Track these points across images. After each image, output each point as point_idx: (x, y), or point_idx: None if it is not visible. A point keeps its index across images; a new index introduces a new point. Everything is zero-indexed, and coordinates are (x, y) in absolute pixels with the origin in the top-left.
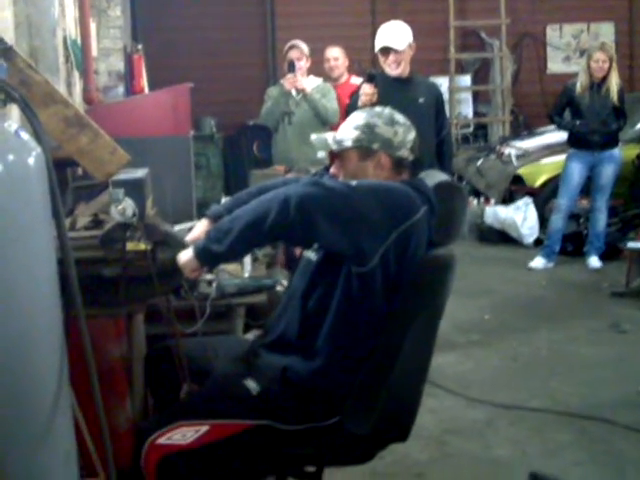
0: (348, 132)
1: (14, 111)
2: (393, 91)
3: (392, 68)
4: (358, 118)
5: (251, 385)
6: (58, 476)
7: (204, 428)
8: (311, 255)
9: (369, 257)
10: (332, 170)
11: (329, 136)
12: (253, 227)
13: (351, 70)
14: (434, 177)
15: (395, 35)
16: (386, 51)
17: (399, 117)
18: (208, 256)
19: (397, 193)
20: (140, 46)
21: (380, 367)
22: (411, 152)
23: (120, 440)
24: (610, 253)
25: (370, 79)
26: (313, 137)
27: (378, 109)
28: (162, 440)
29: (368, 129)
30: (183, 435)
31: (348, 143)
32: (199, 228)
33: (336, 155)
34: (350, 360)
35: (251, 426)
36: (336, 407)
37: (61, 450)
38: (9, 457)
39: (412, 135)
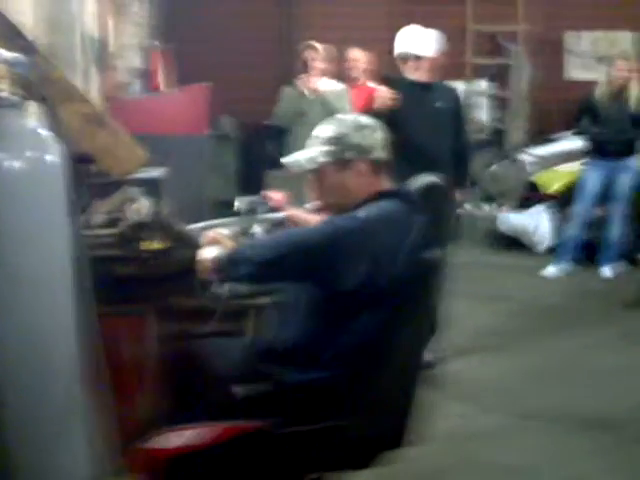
0: (318, 148)
1: (33, 107)
2: (412, 95)
3: (422, 75)
4: (324, 131)
5: (243, 389)
6: (76, 476)
7: (195, 432)
8: None
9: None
10: (309, 189)
11: (300, 155)
12: (289, 245)
13: (371, 76)
14: (422, 180)
15: (427, 41)
16: (418, 58)
17: (363, 119)
18: (237, 259)
19: (397, 220)
20: (158, 43)
21: (369, 372)
22: (384, 151)
23: (128, 439)
24: (630, 262)
25: (385, 82)
26: (287, 160)
27: (340, 117)
28: (152, 444)
29: (337, 140)
30: (173, 439)
31: (322, 158)
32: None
33: (312, 174)
34: (343, 373)
35: (242, 429)
36: (325, 412)
37: (74, 442)
38: (24, 457)
39: (380, 134)
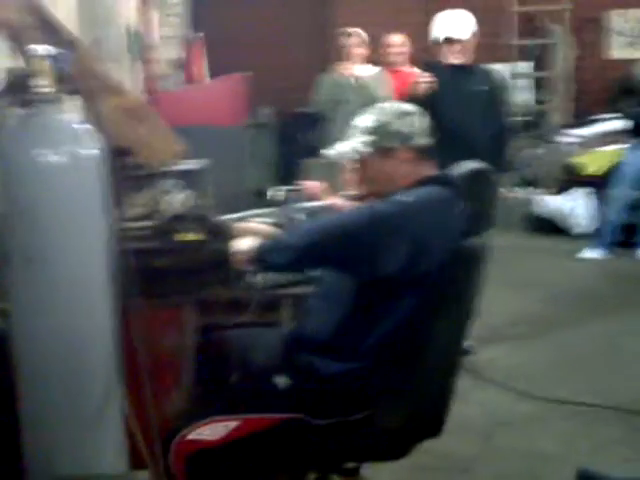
0: (359, 137)
1: (76, 102)
2: (452, 80)
3: (457, 57)
4: (364, 121)
5: (281, 380)
6: (107, 464)
7: (234, 423)
8: None
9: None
10: (349, 178)
11: (341, 146)
12: (327, 230)
13: (406, 61)
14: (463, 165)
15: (459, 24)
16: (450, 41)
17: (404, 106)
18: (275, 247)
19: (439, 205)
20: (199, 34)
21: (408, 361)
22: (426, 137)
23: (165, 432)
24: None
25: (427, 67)
26: (328, 151)
27: (381, 105)
28: (191, 436)
29: (378, 128)
30: (213, 430)
31: (363, 148)
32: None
33: (354, 163)
34: (383, 362)
35: (280, 420)
36: (367, 402)
37: (110, 439)
38: (60, 442)
39: (421, 120)
